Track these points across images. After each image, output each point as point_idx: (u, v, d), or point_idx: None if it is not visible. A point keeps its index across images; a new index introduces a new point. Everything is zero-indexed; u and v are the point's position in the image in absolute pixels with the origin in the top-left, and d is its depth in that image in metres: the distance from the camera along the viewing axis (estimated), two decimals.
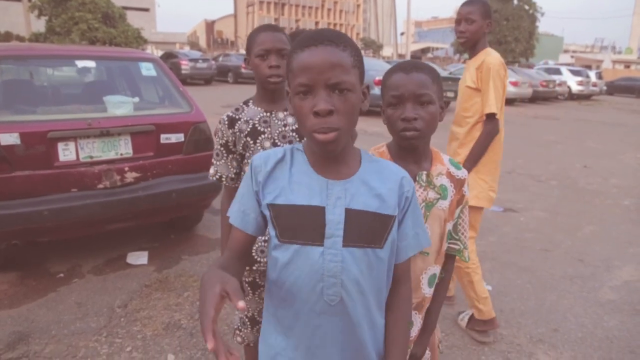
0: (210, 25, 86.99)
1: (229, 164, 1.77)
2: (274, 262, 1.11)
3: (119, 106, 3.44)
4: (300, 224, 1.06)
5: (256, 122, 1.73)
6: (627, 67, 52.56)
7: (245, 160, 1.76)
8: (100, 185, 3.20)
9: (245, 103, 1.79)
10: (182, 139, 3.53)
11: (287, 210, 1.07)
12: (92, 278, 3.39)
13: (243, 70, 21.43)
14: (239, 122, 1.73)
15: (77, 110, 3.44)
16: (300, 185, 1.08)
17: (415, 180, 1.32)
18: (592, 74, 24.07)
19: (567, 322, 3.02)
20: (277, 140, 1.72)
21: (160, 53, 26.62)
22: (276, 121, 1.74)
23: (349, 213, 1.06)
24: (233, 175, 1.78)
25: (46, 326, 2.77)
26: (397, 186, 1.12)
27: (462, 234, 1.45)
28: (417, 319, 1.43)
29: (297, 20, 78.20)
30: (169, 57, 21.55)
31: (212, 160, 1.80)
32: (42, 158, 3.01)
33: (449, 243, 1.45)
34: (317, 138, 1.00)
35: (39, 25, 24.78)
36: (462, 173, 1.42)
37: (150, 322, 2.84)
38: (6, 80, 3.50)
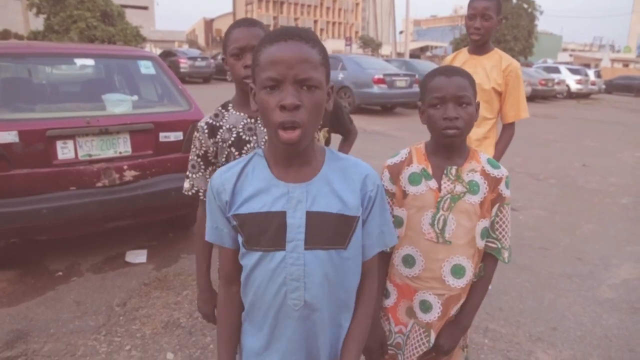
0: (209, 24, 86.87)
1: (207, 177, 1.58)
2: (244, 268, 1.13)
3: (118, 104, 3.43)
4: (263, 231, 1.07)
5: (240, 130, 1.55)
6: (626, 65, 52.64)
7: None
8: (99, 184, 3.19)
9: (224, 107, 1.60)
10: (181, 138, 3.53)
11: (250, 219, 1.07)
12: (91, 276, 3.38)
13: None
14: (221, 130, 1.54)
15: (76, 109, 3.43)
16: (262, 192, 1.08)
17: (444, 173, 1.42)
18: (591, 73, 24.09)
19: (566, 321, 3.02)
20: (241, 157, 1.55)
21: (158, 51, 26.58)
22: (261, 128, 1.55)
23: (310, 216, 1.06)
24: None
25: (45, 324, 2.77)
26: (359, 186, 1.12)
27: (501, 233, 1.48)
28: (437, 305, 1.46)
29: (295, 19, 78.13)
30: (168, 56, 21.51)
31: (187, 172, 1.62)
32: (40, 156, 3.00)
33: (487, 241, 1.48)
34: (281, 136, 0.99)
35: (38, 23, 24.75)
36: (499, 172, 1.46)
37: (149, 321, 2.84)
38: (5, 78, 3.49)
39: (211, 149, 1.55)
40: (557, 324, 2.98)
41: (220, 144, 1.54)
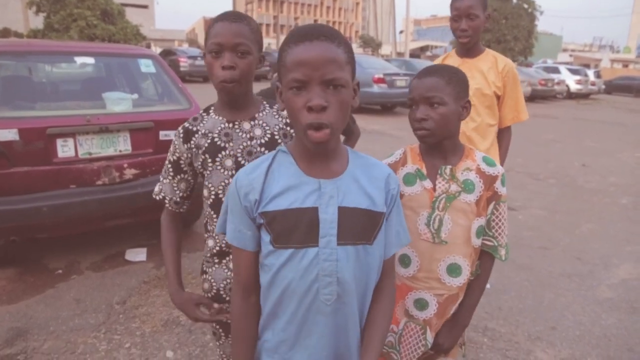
0: (209, 23, 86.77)
1: (174, 185, 1.49)
2: (268, 268, 1.09)
3: (118, 103, 3.43)
4: (295, 228, 1.05)
5: (215, 135, 1.41)
6: (626, 66, 52.64)
7: (206, 182, 1.45)
8: (99, 182, 3.19)
9: (206, 110, 1.48)
10: None
11: (281, 216, 1.05)
12: (91, 274, 3.39)
13: None
14: (196, 135, 1.42)
15: (76, 107, 3.44)
16: (292, 188, 1.07)
17: (438, 173, 1.43)
18: (591, 73, 24.09)
19: (565, 320, 3.03)
20: (240, 158, 1.41)
21: (158, 50, 26.56)
22: (240, 134, 1.42)
23: (342, 211, 1.06)
24: (178, 200, 1.51)
25: (45, 322, 2.77)
26: (384, 184, 1.13)
27: (497, 230, 1.48)
28: (433, 303, 1.46)
29: (296, 18, 78.10)
30: (168, 55, 21.48)
31: (160, 176, 1.53)
32: (40, 154, 3.00)
33: (483, 239, 1.48)
34: (310, 137, 0.99)
35: (37, 21, 24.69)
36: (494, 170, 1.46)
37: (149, 319, 2.84)
38: (5, 76, 3.49)
39: (185, 155, 1.44)
40: (556, 324, 2.98)
41: (194, 150, 1.42)
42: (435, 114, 1.36)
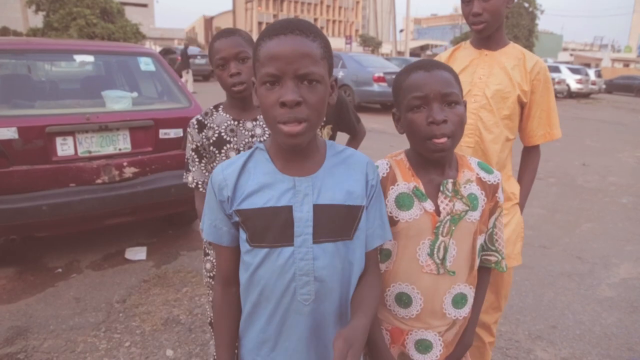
0: (208, 22, 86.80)
1: (202, 169, 1.71)
2: (246, 266, 1.09)
3: (118, 101, 3.43)
4: (269, 226, 1.03)
5: (222, 130, 1.65)
6: (627, 65, 52.62)
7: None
8: (99, 180, 3.19)
9: (216, 107, 1.71)
10: (181, 134, 3.52)
11: (255, 214, 1.04)
12: (91, 273, 3.38)
13: None
14: (206, 128, 1.66)
15: (75, 105, 3.44)
16: (266, 187, 1.04)
17: (439, 190, 1.19)
18: (591, 72, 24.09)
19: (566, 319, 3.03)
20: (242, 152, 1.56)
21: (158, 49, 26.54)
22: (243, 131, 1.65)
23: (317, 209, 1.03)
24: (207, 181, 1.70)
25: (44, 321, 2.76)
26: (363, 176, 1.10)
27: (500, 244, 1.31)
28: (438, 343, 1.27)
29: (296, 17, 78.05)
30: (167, 53, 21.49)
31: (188, 167, 1.73)
32: (40, 153, 3.00)
33: (484, 255, 1.31)
34: (282, 130, 0.96)
35: (37, 20, 24.67)
36: (494, 177, 1.26)
37: (149, 318, 2.84)
38: (4, 74, 3.49)
39: (200, 142, 1.67)
40: (556, 322, 2.98)
41: (204, 140, 1.65)
42: (453, 115, 1.12)
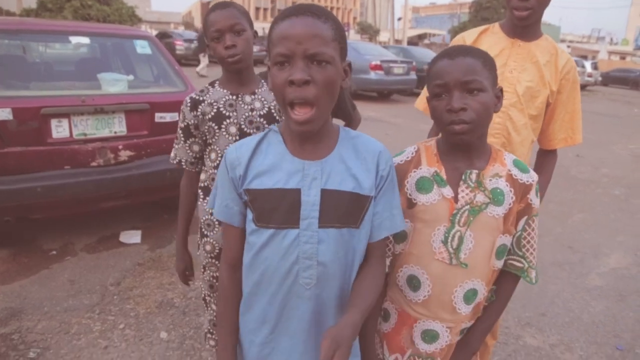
0: (205, 6, 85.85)
1: (187, 148, 1.70)
2: (250, 247, 1.10)
3: (114, 84, 3.41)
4: (276, 208, 1.04)
5: (221, 105, 1.63)
6: (623, 58, 52.64)
7: (210, 147, 1.67)
8: (94, 163, 3.18)
9: (212, 84, 1.69)
10: (177, 118, 3.50)
11: (263, 195, 1.05)
12: (85, 256, 3.39)
13: None
14: (202, 104, 1.63)
15: (70, 87, 3.41)
16: (276, 168, 1.06)
17: (461, 179, 1.18)
18: (588, 65, 24.10)
19: (555, 307, 3.07)
20: (243, 126, 1.63)
21: (154, 32, 26.28)
22: (242, 105, 1.64)
23: (325, 193, 1.04)
24: (192, 160, 1.72)
25: (39, 303, 2.78)
26: (374, 165, 1.10)
27: (528, 250, 1.25)
28: (446, 335, 1.26)
29: (293, 3, 77.34)
30: (164, 37, 21.27)
31: (174, 143, 1.74)
32: (35, 134, 2.98)
33: (509, 259, 1.26)
34: (292, 116, 0.98)
35: (30, 1, 24.32)
36: (528, 177, 1.21)
37: (143, 300, 2.86)
38: None
39: (192, 121, 1.64)
40: (545, 310, 3.03)
41: (200, 117, 1.63)
42: (475, 102, 1.11)
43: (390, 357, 1.33)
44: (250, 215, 1.08)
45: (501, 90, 1.19)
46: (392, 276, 1.30)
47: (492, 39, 1.76)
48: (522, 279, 1.28)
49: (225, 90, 1.65)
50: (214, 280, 1.81)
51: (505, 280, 1.29)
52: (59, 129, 3.07)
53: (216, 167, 1.63)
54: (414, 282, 1.24)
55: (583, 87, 23.28)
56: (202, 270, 1.84)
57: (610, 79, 28.78)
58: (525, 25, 1.67)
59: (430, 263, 1.21)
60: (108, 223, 3.90)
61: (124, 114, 3.31)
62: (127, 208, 4.04)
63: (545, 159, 1.89)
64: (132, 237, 3.69)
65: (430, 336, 1.26)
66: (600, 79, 25.62)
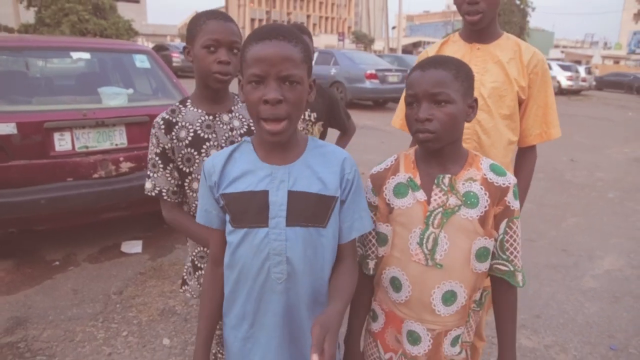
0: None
1: (167, 175, 1.48)
2: (228, 247, 1.20)
3: (114, 97, 3.49)
4: (247, 209, 1.15)
5: (197, 128, 1.47)
6: (617, 62, 53.03)
7: (191, 177, 1.49)
8: (96, 175, 3.25)
9: (183, 103, 1.52)
10: None
11: (236, 198, 1.16)
12: (88, 266, 3.45)
13: None
14: (177, 127, 1.46)
15: (72, 101, 3.49)
16: (248, 174, 1.16)
17: (434, 183, 1.23)
18: (582, 69, 24.31)
19: (549, 309, 3.13)
20: (224, 147, 1.42)
21: (151, 45, 26.45)
22: (221, 125, 1.50)
23: (292, 195, 1.14)
24: (175, 189, 1.51)
25: (43, 312, 2.83)
26: (338, 169, 1.19)
27: (512, 253, 1.27)
28: (427, 339, 1.29)
29: (288, 13, 77.89)
30: (160, 50, 21.40)
31: (148, 172, 1.50)
32: (38, 148, 3.06)
33: (494, 263, 1.28)
34: (265, 127, 1.08)
35: (28, 16, 24.49)
36: (505, 180, 1.24)
37: (146, 308, 2.91)
38: (2, 71, 3.52)
39: (168, 145, 1.46)
40: (540, 312, 3.09)
41: (175, 142, 1.45)
42: (441, 113, 1.16)
43: (386, 356, 1.39)
44: (227, 217, 1.19)
45: (476, 100, 1.25)
46: (377, 278, 1.38)
47: (452, 48, 1.81)
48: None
49: (199, 110, 1.49)
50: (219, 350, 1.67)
51: (502, 288, 1.32)
52: (62, 142, 3.15)
53: None
54: (395, 283, 1.30)
55: (577, 91, 23.50)
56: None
57: (604, 84, 28.99)
58: (480, 28, 1.72)
59: (408, 264, 1.26)
60: (109, 234, 3.96)
61: (125, 126, 3.39)
62: (128, 219, 4.10)
63: (523, 158, 1.86)
64: (133, 247, 3.75)
65: (413, 338, 1.30)
66: (594, 83, 25.83)
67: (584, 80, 23.37)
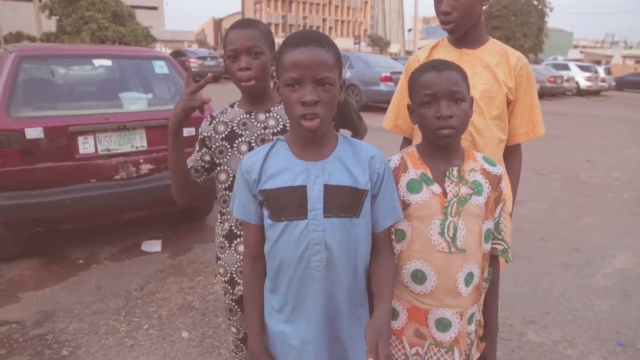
0: (218, 23, 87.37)
1: (198, 157, 1.66)
2: (269, 239, 1.29)
3: (134, 102, 3.64)
4: (287, 203, 1.24)
5: (235, 124, 1.62)
6: (638, 62, 52.03)
7: (221, 167, 1.63)
8: (117, 177, 3.40)
9: (232, 105, 1.69)
10: (193, 133, 3.71)
11: (275, 193, 1.25)
12: (110, 264, 3.60)
13: None
14: (216, 120, 1.64)
15: (95, 106, 3.65)
16: (285, 170, 1.26)
17: (445, 176, 1.35)
18: (601, 70, 23.97)
19: (559, 306, 3.17)
20: (254, 144, 1.59)
21: (169, 51, 26.89)
22: (255, 123, 1.62)
23: (327, 188, 1.24)
24: (199, 167, 1.66)
25: (69, 306, 2.98)
26: (367, 164, 1.29)
27: (505, 233, 1.43)
28: (457, 322, 1.37)
29: (304, 17, 78.26)
30: (178, 55, 21.80)
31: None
32: (63, 151, 3.22)
33: (493, 243, 1.42)
34: (304, 125, 1.18)
35: (50, 25, 25.14)
36: (497, 170, 1.41)
37: (165, 304, 3.04)
38: (29, 78, 3.71)
39: (207, 134, 1.63)
40: (550, 309, 3.12)
41: (212, 133, 1.62)
42: (459, 110, 1.29)
43: (412, 351, 1.42)
44: (266, 212, 1.28)
45: (472, 99, 1.38)
46: (396, 275, 1.40)
47: (442, 52, 1.88)
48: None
49: (241, 110, 1.65)
50: (233, 304, 1.75)
51: (493, 263, 1.47)
52: (85, 145, 3.31)
53: (227, 189, 1.64)
54: (418, 276, 1.36)
55: (597, 92, 23.17)
56: (223, 293, 1.81)
57: (624, 84, 28.47)
58: (464, 34, 1.80)
59: (432, 255, 1.34)
60: (130, 234, 4.11)
61: (145, 130, 3.54)
62: (148, 219, 4.26)
63: (511, 155, 1.94)
64: (153, 246, 3.89)
65: (443, 324, 1.36)
66: (614, 83, 25.45)
67: (603, 80, 23.05)
